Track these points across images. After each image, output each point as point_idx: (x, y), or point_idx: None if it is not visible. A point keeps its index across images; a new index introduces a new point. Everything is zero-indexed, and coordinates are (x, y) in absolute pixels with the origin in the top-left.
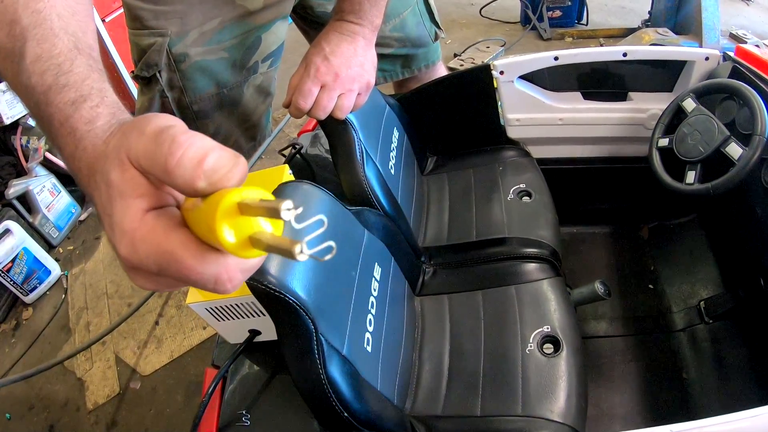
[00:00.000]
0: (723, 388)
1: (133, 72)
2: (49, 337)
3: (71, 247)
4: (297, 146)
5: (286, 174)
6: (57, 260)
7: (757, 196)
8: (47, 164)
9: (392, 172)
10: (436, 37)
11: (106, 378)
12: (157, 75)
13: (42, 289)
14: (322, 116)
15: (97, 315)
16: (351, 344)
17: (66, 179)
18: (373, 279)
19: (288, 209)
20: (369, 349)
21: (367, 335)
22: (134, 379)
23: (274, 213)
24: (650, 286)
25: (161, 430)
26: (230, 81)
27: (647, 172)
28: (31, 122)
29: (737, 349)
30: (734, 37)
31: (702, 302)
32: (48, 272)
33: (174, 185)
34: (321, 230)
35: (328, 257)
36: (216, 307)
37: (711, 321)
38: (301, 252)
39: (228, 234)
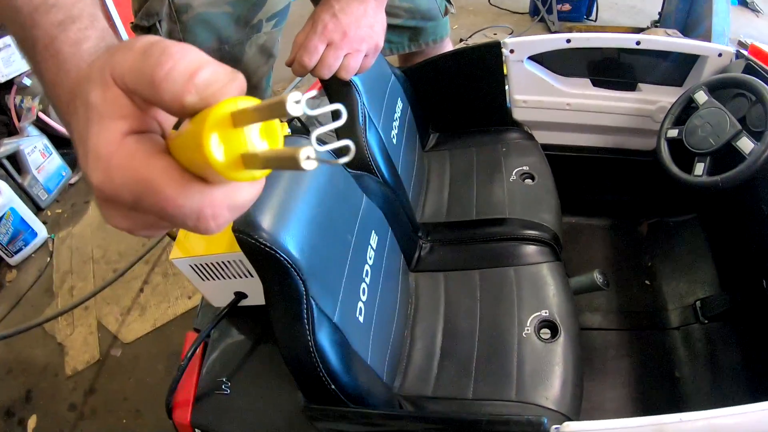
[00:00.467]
0: (714, 389)
1: (132, 22)
2: (31, 300)
3: (59, 210)
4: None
5: (285, 130)
6: (44, 223)
7: (764, 193)
8: (40, 125)
9: (394, 141)
10: (446, 12)
11: (87, 344)
12: (157, 25)
13: (27, 251)
14: (326, 75)
15: (81, 279)
16: (343, 312)
17: (58, 141)
18: (369, 247)
19: (296, 101)
20: (361, 319)
21: (360, 304)
22: (115, 347)
23: (277, 110)
24: (647, 282)
25: (141, 399)
26: (232, 37)
27: (651, 166)
28: (27, 81)
29: (731, 350)
30: (742, 45)
31: (698, 302)
32: (34, 234)
33: (160, 101)
34: (338, 123)
35: (344, 160)
36: (201, 264)
37: (706, 321)
38: (308, 158)
39: (217, 148)
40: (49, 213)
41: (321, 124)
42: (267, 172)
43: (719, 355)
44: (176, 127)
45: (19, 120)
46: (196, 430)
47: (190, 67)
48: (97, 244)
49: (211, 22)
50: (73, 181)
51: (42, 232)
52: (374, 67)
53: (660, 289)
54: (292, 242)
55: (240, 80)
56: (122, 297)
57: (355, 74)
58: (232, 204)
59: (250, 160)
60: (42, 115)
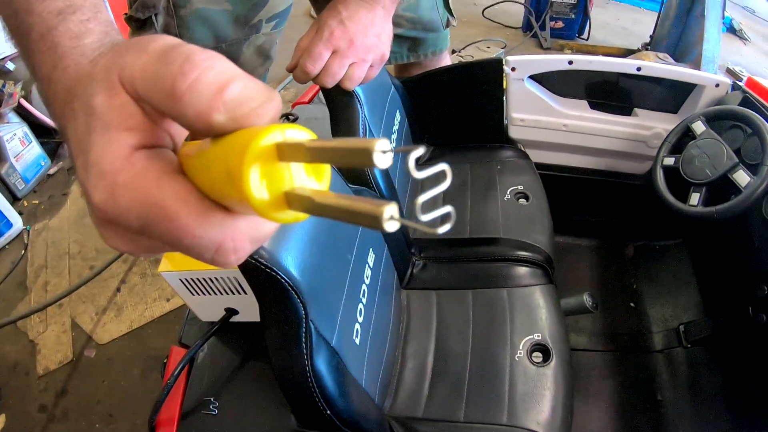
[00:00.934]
0: (696, 414)
1: (126, 13)
2: (3, 294)
3: (36, 201)
4: (291, 117)
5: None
6: (20, 213)
7: (755, 226)
8: (21, 112)
9: None
10: (448, 24)
11: (60, 343)
12: (153, 18)
13: (1, 242)
14: (330, 84)
15: (56, 275)
16: (340, 335)
17: (39, 130)
18: (367, 265)
19: (384, 151)
20: (357, 341)
21: (357, 326)
22: (89, 347)
23: (356, 157)
24: (632, 304)
25: (114, 403)
26: (230, 36)
27: (641, 190)
28: (10, 66)
29: (713, 375)
30: (731, 72)
31: (682, 326)
32: (9, 225)
33: (181, 116)
34: (440, 189)
35: (443, 230)
36: (192, 279)
37: (689, 345)
38: (391, 218)
39: (257, 184)
40: (25, 203)
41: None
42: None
43: (701, 380)
44: (189, 138)
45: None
46: None
47: (218, 79)
48: (74, 239)
49: (210, 19)
50: (52, 171)
51: (17, 223)
52: (376, 77)
53: (645, 311)
54: (293, 262)
55: (277, 101)
56: (98, 296)
57: (359, 84)
58: (256, 236)
59: (297, 201)
60: (24, 102)
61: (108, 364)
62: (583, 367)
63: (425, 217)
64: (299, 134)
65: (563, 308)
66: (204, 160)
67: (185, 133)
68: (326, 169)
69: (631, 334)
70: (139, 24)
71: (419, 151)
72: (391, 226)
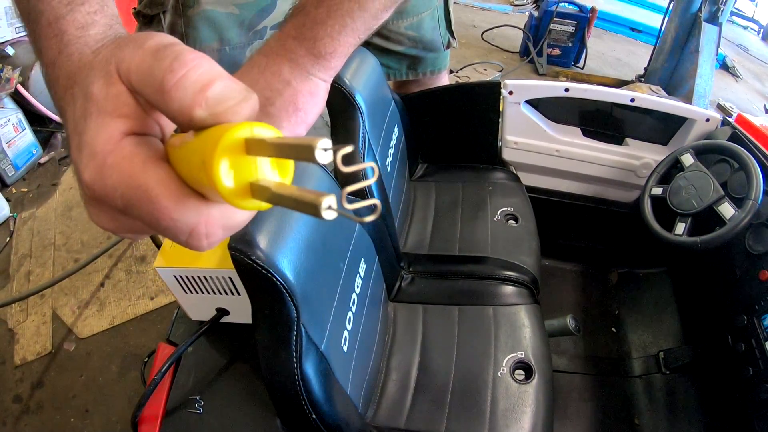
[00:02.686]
0: None
1: (134, 8)
2: None
3: (25, 189)
4: None
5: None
6: (8, 200)
7: (738, 258)
8: (17, 98)
9: (388, 169)
10: (449, 45)
11: (39, 334)
12: (161, 16)
13: None
14: None
15: (40, 265)
16: (330, 341)
17: (33, 118)
18: (358, 275)
19: (325, 149)
20: (345, 348)
21: (345, 333)
22: (69, 340)
23: (302, 152)
24: (613, 329)
25: (91, 398)
26: (234, 40)
27: (628, 218)
28: (9, 50)
29: (691, 402)
30: (721, 108)
31: (661, 352)
32: None
33: (167, 110)
34: (369, 182)
35: (369, 219)
36: (187, 277)
37: (668, 372)
38: (329, 207)
39: (226, 173)
40: (13, 190)
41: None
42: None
43: (679, 406)
44: (177, 130)
45: None
46: None
47: (203, 78)
48: (60, 231)
49: (216, 21)
50: (43, 160)
51: (4, 209)
52: (377, 91)
53: (625, 337)
54: (288, 265)
55: (254, 100)
56: (81, 289)
57: None
58: (228, 224)
59: (259, 191)
60: (21, 89)
61: (86, 358)
62: (563, 388)
63: (350, 207)
64: (265, 131)
65: (547, 329)
66: (185, 151)
67: (174, 125)
68: (290, 165)
69: (611, 359)
70: (146, 20)
71: (348, 149)
72: (329, 215)
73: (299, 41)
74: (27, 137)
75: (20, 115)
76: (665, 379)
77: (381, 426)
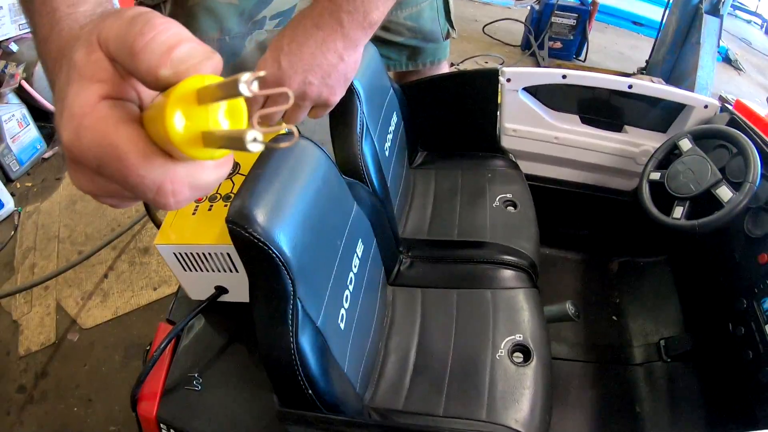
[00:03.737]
0: (674, 426)
1: None
2: None
3: (29, 184)
4: None
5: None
6: (12, 195)
7: (737, 242)
8: (21, 94)
9: (386, 154)
10: (448, 36)
11: (44, 325)
12: (161, 6)
13: None
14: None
15: (44, 258)
16: (326, 317)
17: (37, 113)
18: (355, 255)
19: (246, 81)
20: (342, 326)
21: (342, 311)
22: (73, 331)
23: (231, 89)
24: (614, 317)
25: (94, 388)
26: (234, 30)
27: (628, 206)
28: (13, 47)
29: (691, 389)
30: (723, 100)
31: (662, 340)
32: (1, 205)
33: (137, 71)
34: (284, 107)
35: (286, 145)
36: (186, 253)
37: (669, 360)
38: (254, 140)
39: (179, 122)
40: (18, 185)
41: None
42: (227, 152)
43: (679, 394)
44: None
45: (0, 86)
46: (162, 425)
47: (169, 40)
48: (64, 224)
49: (216, 12)
50: (47, 155)
51: (9, 203)
52: (376, 79)
53: (626, 325)
54: (285, 239)
55: (216, 60)
56: (85, 281)
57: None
58: (194, 183)
59: (209, 139)
60: (25, 84)
61: (90, 348)
62: (564, 376)
63: (261, 129)
64: (213, 80)
65: (546, 315)
66: (151, 110)
67: (153, 93)
68: (242, 113)
69: (611, 347)
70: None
71: (261, 73)
72: (254, 147)
73: (352, 15)
74: (31, 132)
75: (24, 111)
76: (666, 366)
77: (379, 408)
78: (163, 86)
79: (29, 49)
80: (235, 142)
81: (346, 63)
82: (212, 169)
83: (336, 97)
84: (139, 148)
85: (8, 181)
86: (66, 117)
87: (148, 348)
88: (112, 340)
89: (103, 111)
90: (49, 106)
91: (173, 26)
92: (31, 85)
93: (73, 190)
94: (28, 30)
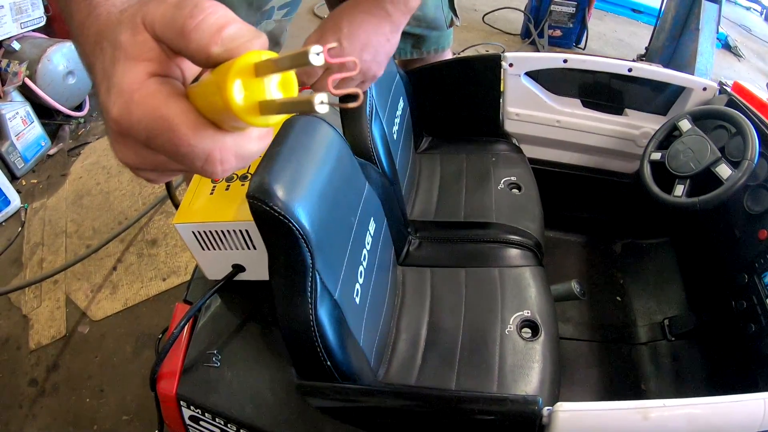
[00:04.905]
0: None
1: None
2: None
3: (35, 181)
4: None
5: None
6: (18, 192)
7: (737, 219)
8: (25, 91)
9: (395, 137)
10: (451, 23)
11: (54, 318)
12: None
13: None
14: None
15: (52, 253)
16: (343, 290)
17: (41, 110)
18: (368, 233)
19: (318, 53)
20: (357, 300)
21: (357, 286)
22: (83, 323)
23: (301, 59)
24: (618, 298)
25: (106, 379)
26: (243, 19)
27: (630, 189)
28: (15, 45)
29: (696, 367)
30: (722, 84)
31: (666, 320)
32: (7, 202)
33: (187, 50)
34: (352, 74)
35: (353, 105)
36: (204, 231)
37: (673, 338)
38: (322, 102)
39: (238, 93)
40: (24, 182)
41: None
42: (280, 119)
43: (684, 372)
44: (195, 81)
45: (3, 84)
46: (182, 402)
47: (219, 21)
48: (71, 219)
49: (225, 2)
50: (52, 152)
51: (15, 200)
52: None
53: (630, 305)
54: (303, 213)
55: (263, 39)
56: (93, 274)
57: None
58: (240, 153)
59: (266, 107)
60: (29, 82)
61: (101, 340)
62: (570, 355)
63: (336, 91)
64: (269, 55)
65: (552, 294)
66: (202, 86)
67: (196, 70)
68: (293, 86)
69: (616, 326)
70: None
71: (333, 44)
72: (322, 108)
73: (396, 5)
74: (35, 130)
75: (28, 108)
76: (670, 345)
77: (392, 383)
78: (213, 63)
79: (31, 47)
80: (301, 105)
81: (391, 43)
82: (256, 140)
83: (381, 72)
84: (189, 119)
85: (14, 178)
86: (115, 93)
87: (160, 336)
88: (122, 331)
89: (153, 87)
90: (54, 104)
91: (220, 8)
92: (34, 82)
93: (79, 185)
94: (30, 28)
